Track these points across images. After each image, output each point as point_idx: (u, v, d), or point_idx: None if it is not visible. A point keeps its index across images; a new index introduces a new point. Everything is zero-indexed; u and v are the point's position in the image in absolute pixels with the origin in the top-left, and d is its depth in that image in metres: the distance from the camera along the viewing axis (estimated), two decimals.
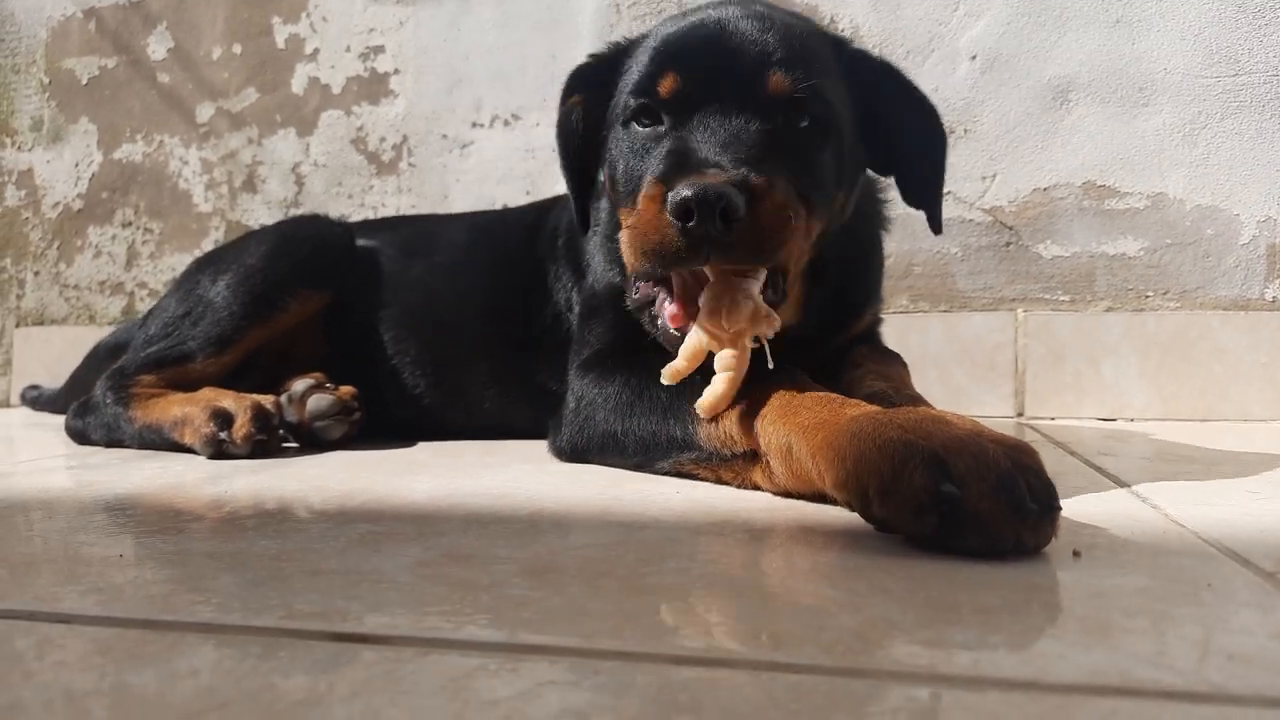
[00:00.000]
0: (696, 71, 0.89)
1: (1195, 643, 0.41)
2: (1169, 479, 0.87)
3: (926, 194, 1.02)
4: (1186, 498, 0.76)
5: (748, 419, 0.79)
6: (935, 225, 1.02)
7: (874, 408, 0.71)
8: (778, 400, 0.77)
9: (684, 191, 0.76)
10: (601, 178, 1.06)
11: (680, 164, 0.82)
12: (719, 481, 0.84)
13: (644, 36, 1.00)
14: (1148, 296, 1.63)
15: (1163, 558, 0.56)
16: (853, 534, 0.64)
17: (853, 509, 0.65)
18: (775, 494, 0.77)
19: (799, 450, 0.71)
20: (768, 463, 0.77)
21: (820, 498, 0.72)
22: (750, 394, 0.80)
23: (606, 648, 0.41)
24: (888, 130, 1.00)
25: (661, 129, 0.90)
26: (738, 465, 0.81)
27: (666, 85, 0.89)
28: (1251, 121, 1.60)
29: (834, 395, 0.76)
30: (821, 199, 0.90)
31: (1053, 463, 0.95)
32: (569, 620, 0.45)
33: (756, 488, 0.80)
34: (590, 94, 1.04)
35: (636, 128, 0.93)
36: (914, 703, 0.35)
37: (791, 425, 0.73)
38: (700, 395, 0.82)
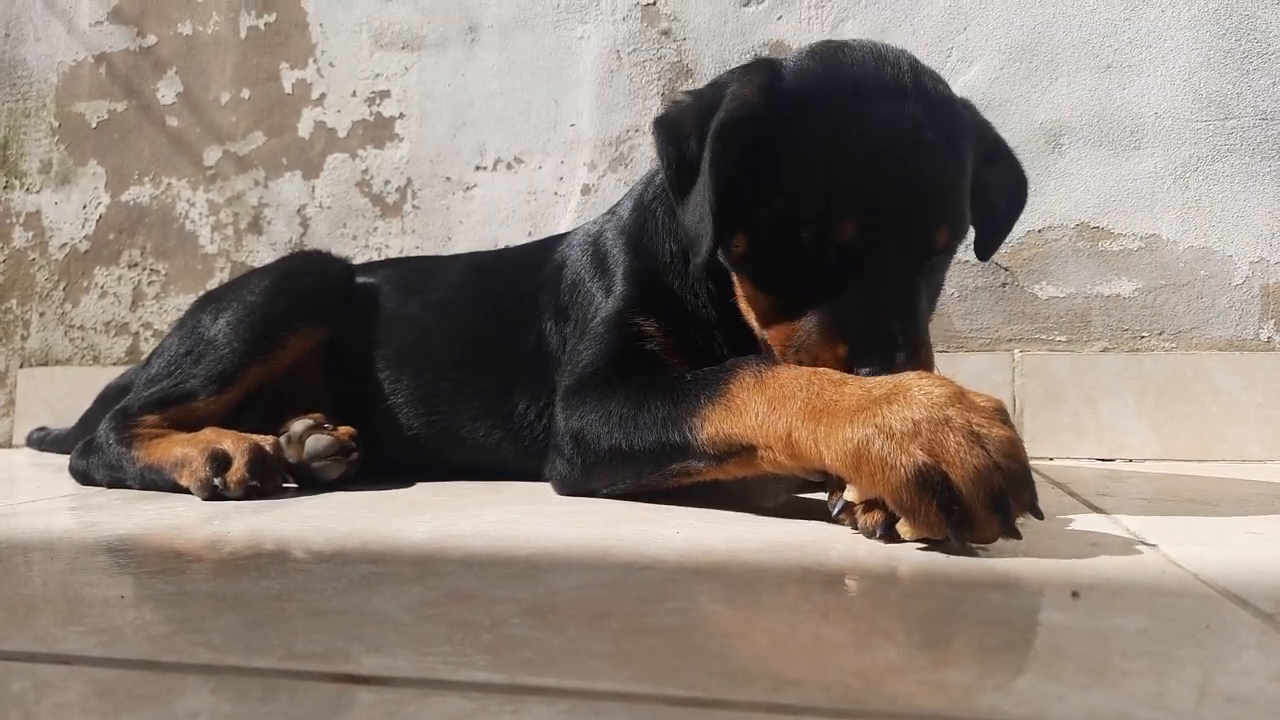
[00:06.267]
0: (875, 225, 0.90)
1: (1194, 684, 0.41)
2: (1167, 519, 0.87)
3: (988, 247, 1.17)
4: (1185, 538, 0.76)
5: (738, 417, 0.83)
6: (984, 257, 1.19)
7: (859, 388, 0.75)
8: (763, 390, 0.82)
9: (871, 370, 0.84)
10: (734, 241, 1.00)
11: (865, 334, 0.89)
12: (730, 478, 0.89)
13: (808, 102, 0.94)
14: (1143, 337, 1.64)
15: (1161, 598, 0.56)
16: (852, 575, 0.64)
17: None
18: (782, 475, 0.83)
19: (799, 436, 0.76)
20: (771, 453, 0.81)
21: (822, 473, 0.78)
22: (726, 388, 0.85)
23: (607, 689, 0.41)
24: (984, 200, 1.05)
25: (829, 259, 0.92)
26: (741, 459, 0.85)
27: (845, 233, 0.91)
28: (1242, 164, 1.63)
29: (812, 371, 0.81)
30: (934, 307, 1.03)
31: (1052, 503, 0.95)
32: (570, 661, 0.45)
33: (763, 474, 0.85)
34: (738, 136, 0.96)
35: (798, 240, 0.93)
36: None
37: (789, 414, 0.78)
38: (695, 398, 0.88)
